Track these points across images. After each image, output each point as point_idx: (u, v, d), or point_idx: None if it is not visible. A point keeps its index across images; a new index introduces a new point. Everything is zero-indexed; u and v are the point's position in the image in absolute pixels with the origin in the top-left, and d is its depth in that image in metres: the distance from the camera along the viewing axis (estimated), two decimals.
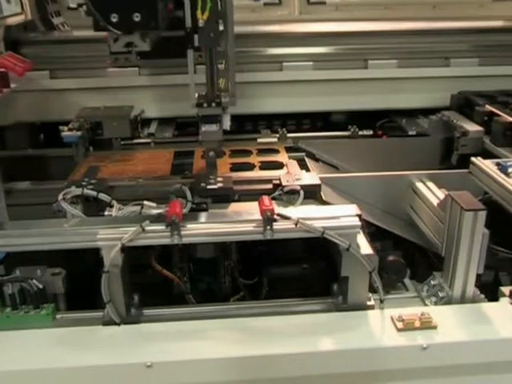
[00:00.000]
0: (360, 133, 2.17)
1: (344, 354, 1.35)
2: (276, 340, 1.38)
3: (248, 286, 1.65)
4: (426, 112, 2.40)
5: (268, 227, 1.37)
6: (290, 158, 1.96)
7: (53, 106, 2.27)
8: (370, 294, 1.50)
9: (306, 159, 1.98)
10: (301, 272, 1.63)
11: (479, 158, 1.70)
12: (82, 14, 1.30)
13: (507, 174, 1.60)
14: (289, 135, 2.16)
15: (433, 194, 1.69)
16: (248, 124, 2.50)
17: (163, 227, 1.37)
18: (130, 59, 2.19)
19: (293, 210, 1.48)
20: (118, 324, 1.42)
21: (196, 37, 1.59)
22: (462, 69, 2.36)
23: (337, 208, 1.50)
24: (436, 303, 1.54)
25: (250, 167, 1.89)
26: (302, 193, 1.59)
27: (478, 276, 1.73)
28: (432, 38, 2.37)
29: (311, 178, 1.68)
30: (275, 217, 1.37)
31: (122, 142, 2.13)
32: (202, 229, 1.40)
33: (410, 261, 1.80)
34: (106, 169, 1.89)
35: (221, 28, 1.62)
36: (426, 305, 1.55)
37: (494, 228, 1.65)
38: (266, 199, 1.41)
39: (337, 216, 1.42)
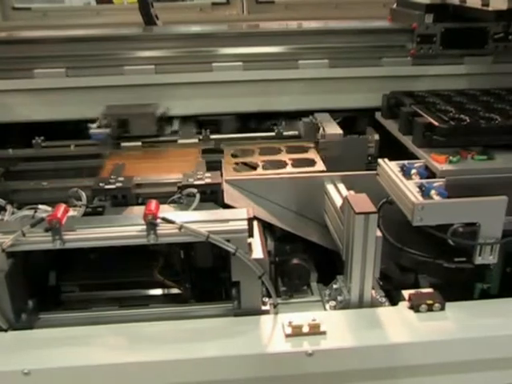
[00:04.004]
0: (285, 133, 2.13)
1: (227, 360, 1.33)
2: (162, 345, 1.36)
3: None
4: (363, 112, 2.38)
5: (151, 231, 1.35)
6: (207, 160, 1.94)
7: None
8: (267, 299, 1.48)
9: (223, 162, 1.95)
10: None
11: (386, 159, 1.67)
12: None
13: (409, 176, 1.57)
14: (213, 137, 2.12)
15: (340, 196, 1.67)
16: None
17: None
18: None
19: (181, 214, 1.46)
20: (6, 330, 1.40)
21: None
22: (394, 68, 2.32)
23: (228, 212, 1.48)
24: (335, 307, 1.51)
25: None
26: (198, 196, 1.56)
27: (389, 278, 1.73)
28: (364, 37, 2.33)
29: (212, 179, 1.64)
30: (158, 221, 1.35)
31: None
32: (86, 233, 1.38)
33: (323, 264, 1.78)
34: None
35: None
36: (325, 309, 1.53)
37: (410, 229, 1.63)
38: (152, 203, 1.39)
39: (226, 220, 1.41)
